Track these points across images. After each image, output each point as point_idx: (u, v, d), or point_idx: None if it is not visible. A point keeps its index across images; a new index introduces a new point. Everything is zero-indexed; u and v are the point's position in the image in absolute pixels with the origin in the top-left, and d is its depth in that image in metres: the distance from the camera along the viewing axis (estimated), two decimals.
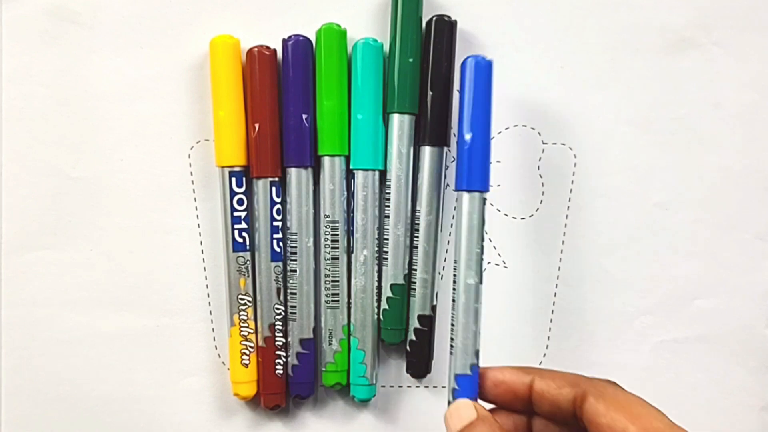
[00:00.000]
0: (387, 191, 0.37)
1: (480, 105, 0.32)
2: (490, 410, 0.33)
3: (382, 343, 0.38)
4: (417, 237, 0.38)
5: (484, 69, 0.33)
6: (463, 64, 0.33)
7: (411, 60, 0.37)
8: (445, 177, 0.38)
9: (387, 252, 0.38)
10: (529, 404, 0.33)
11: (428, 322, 0.38)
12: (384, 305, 0.38)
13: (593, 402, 0.31)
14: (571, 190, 0.39)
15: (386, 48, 0.37)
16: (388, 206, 0.37)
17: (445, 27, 0.37)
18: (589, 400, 0.31)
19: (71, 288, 0.38)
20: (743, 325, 0.40)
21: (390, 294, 0.38)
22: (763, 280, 0.39)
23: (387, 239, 0.37)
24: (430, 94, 0.37)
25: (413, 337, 0.38)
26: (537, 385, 0.33)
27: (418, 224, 0.37)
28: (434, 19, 0.37)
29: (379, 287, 0.38)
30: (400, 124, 0.37)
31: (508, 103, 0.39)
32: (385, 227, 0.37)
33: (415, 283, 0.38)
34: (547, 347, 0.39)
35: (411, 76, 0.37)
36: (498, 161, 0.39)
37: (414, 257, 0.38)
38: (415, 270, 0.38)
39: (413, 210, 0.38)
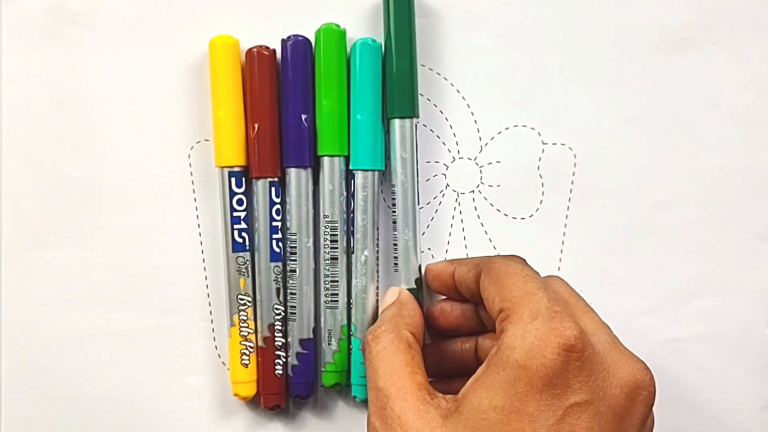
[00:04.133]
0: (393, 196, 0.37)
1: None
2: (441, 300, 0.36)
3: None
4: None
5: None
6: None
7: (407, 63, 0.36)
8: (445, 177, 0.38)
9: (397, 257, 0.37)
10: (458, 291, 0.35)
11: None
12: None
13: (483, 278, 0.32)
14: (571, 190, 0.39)
15: None
16: (395, 212, 0.37)
17: None
18: (481, 276, 0.32)
19: (71, 287, 0.38)
20: (743, 324, 0.40)
21: None
22: (763, 280, 0.39)
23: (396, 245, 0.37)
24: None
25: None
26: (456, 272, 0.35)
27: None
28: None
29: None
30: (401, 128, 0.37)
31: (508, 103, 0.39)
32: (393, 232, 0.37)
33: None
34: None
35: (408, 79, 0.37)
36: (498, 161, 0.39)
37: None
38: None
39: None
